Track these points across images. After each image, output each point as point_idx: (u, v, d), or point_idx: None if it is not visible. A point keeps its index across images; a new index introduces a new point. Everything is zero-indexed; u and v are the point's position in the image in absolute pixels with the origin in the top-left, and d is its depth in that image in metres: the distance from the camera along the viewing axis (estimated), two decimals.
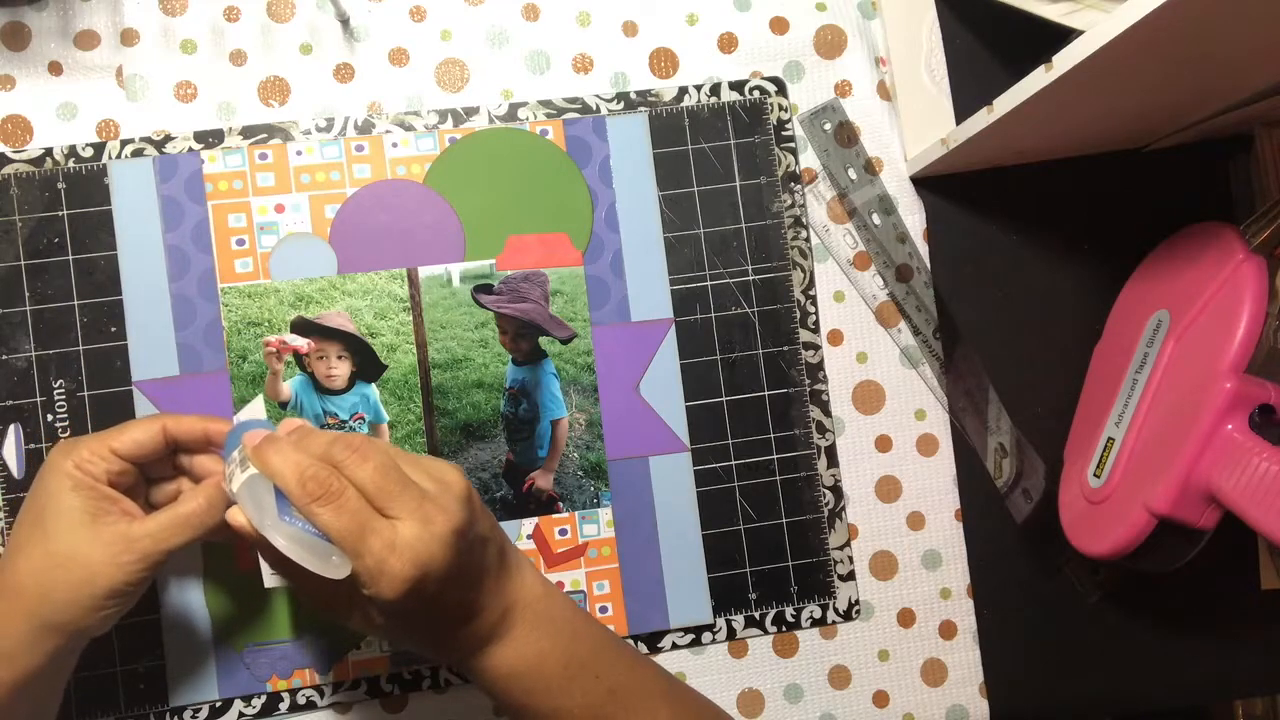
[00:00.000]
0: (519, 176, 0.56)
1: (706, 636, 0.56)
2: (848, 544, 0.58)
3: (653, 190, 0.57)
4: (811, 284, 0.58)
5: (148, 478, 0.47)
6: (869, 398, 0.58)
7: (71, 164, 0.54)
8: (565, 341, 0.56)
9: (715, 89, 0.58)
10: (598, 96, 0.57)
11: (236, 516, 0.42)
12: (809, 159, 0.59)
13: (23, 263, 0.54)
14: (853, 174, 0.59)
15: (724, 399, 0.57)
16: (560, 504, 0.56)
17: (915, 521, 0.58)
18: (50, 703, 0.46)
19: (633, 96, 0.58)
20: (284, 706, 0.54)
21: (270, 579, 0.45)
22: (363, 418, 0.55)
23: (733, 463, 0.57)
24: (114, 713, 0.53)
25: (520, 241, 0.56)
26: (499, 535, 0.45)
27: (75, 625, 0.42)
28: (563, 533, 0.56)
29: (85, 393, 0.53)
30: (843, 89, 0.59)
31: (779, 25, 0.59)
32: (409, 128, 0.56)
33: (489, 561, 0.44)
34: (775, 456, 0.57)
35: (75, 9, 0.55)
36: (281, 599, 0.54)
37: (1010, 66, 0.58)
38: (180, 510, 0.44)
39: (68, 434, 0.53)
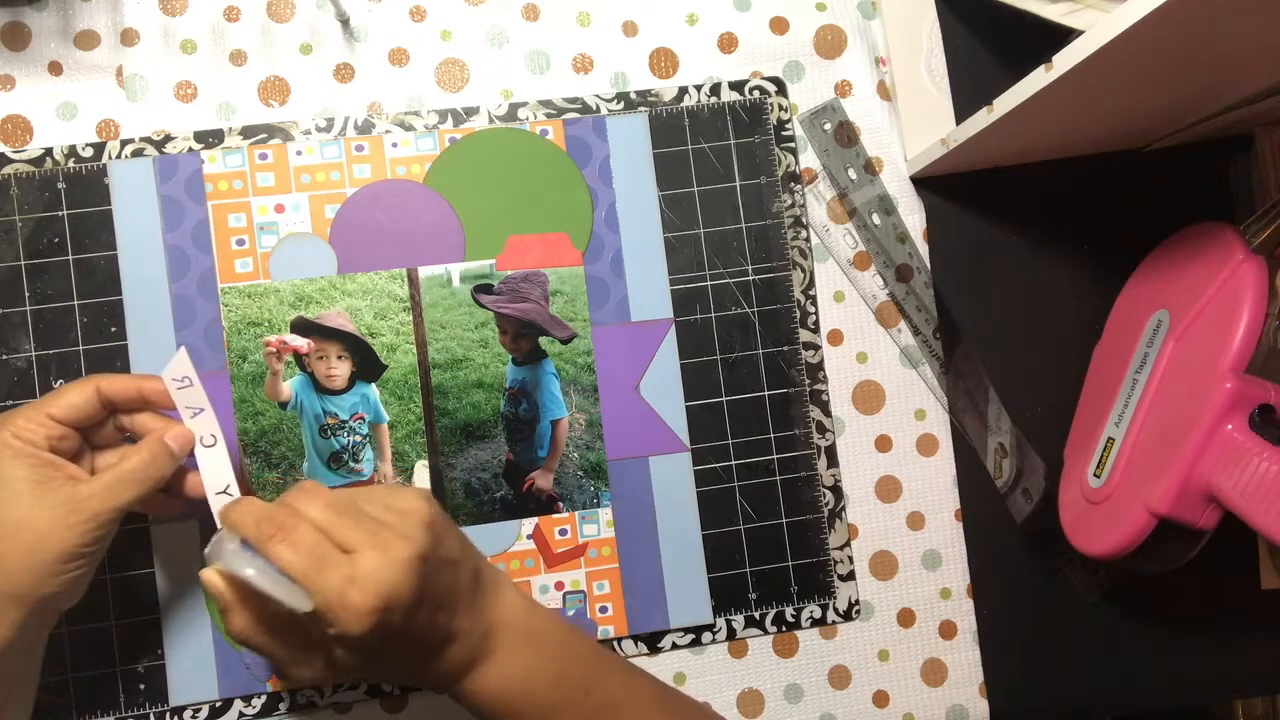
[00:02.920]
0: (519, 176, 0.56)
1: (706, 636, 0.56)
2: (848, 544, 0.58)
3: (653, 190, 0.57)
4: (811, 284, 0.58)
5: (91, 445, 0.47)
6: (869, 398, 0.58)
7: (71, 164, 0.54)
8: (565, 341, 0.56)
9: (715, 89, 0.58)
10: (598, 96, 0.57)
11: (211, 578, 0.42)
12: (809, 159, 0.59)
13: (23, 263, 0.54)
14: (853, 174, 0.59)
15: (724, 399, 0.57)
16: (560, 504, 0.56)
17: (915, 521, 0.58)
18: (24, 681, 0.45)
19: (633, 96, 0.58)
20: (284, 706, 0.54)
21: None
22: (363, 418, 0.55)
23: (733, 463, 0.57)
24: (114, 713, 0.53)
25: (520, 241, 0.56)
26: (472, 556, 0.45)
27: (34, 593, 0.42)
28: (563, 533, 0.56)
29: None
30: (843, 89, 0.59)
31: (779, 25, 0.59)
32: (409, 128, 0.56)
33: (461, 584, 0.43)
34: (775, 456, 0.57)
35: (75, 9, 0.55)
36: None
37: (1010, 66, 0.58)
38: (124, 467, 0.44)
39: None
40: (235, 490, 0.47)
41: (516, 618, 0.44)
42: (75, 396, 0.45)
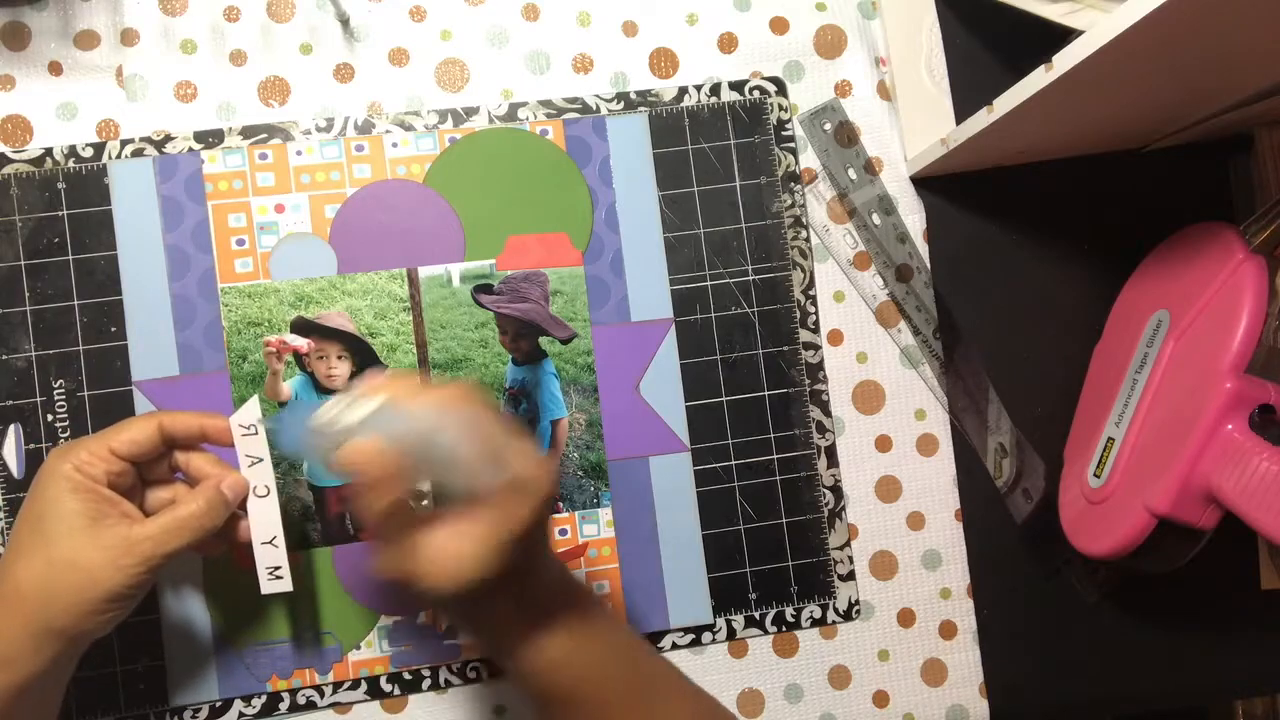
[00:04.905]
0: (519, 176, 0.56)
1: (706, 636, 0.56)
2: (848, 544, 0.58)
3: (653, 190, 0.57)
4: (811, 284, 0.58)
5: (143, 480, 0.47)
6: (869, 398, 0.58)
7: (71, 164, 0.54)
8: (565, 341, 0.56)
9: (715, 89, 0.58)
10: (598, 96, 0.57)
11: (368, 448, 0.40)
12: (809, 159, 0.59)
13: (23, 263, 0.54)
14: (853, 174, 0.59)
15: (724, 399, 0.57)
16: (560, 504, 0.56)
17: (915, 521, 0.58)
18: (51, 706, 0.45)
19: (633, 96, 0.58)
20: (284, 706, 0.54)
21: (268, 585, 0.45)
22: None
23: (733, 463, 0.57)
24: (114, 713, 0.53)
25: (520, 241, 0.56)
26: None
27: (76, 629, 0.42)
28: (563, 533, 0.56)
29: (85, 393, 0.53)
30: (843, 89, 0.59)
31: (779, 25, 0.59)
32: (409, 128, 0.56)
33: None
34: (775, 456, 0.57)
35: (75, 9, 0.55)
36: (281, 600, 0.54)
37: (1010, 66, 0.58)
38: (180, 513, 0.44)
39: (67, 434, 0.53)
40: (281, 542, 0.46)
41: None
42: (137, 432, 0.45)
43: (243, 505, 0.47)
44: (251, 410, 0.46)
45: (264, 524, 0.46)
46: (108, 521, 0.43)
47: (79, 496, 0.43)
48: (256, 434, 0.46)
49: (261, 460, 0.47)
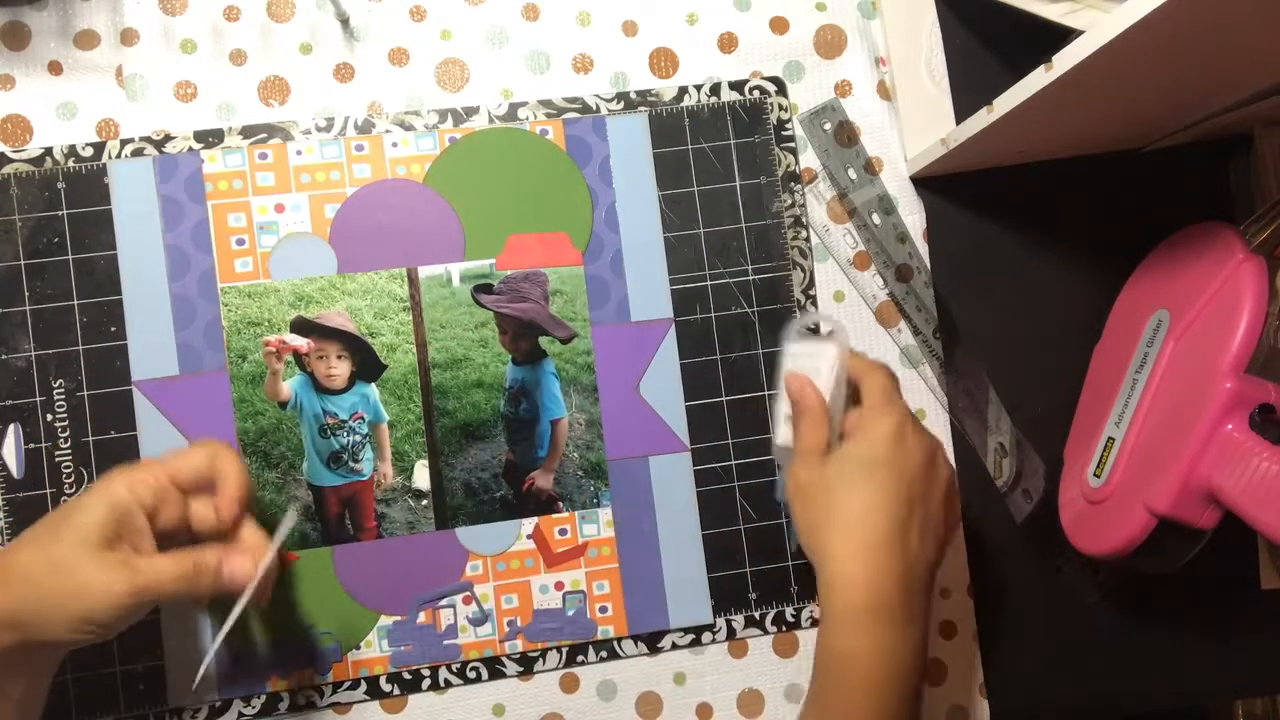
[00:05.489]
0: (519, 176, 0.56)
1: (706, 636, 0.56)
2: None
3: (653, 190, 0.57)
4: (811, 284, 0.58)
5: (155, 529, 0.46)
6: None
7: (71, 164, 0.54)
8: (565, 341, 0.56)
9: (715, 89, 0.58)
10: (598, 96, 0.57)
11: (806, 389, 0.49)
12: (809, 159, 0.59)
13: (22, 262, 0.54)
14: (853, 174, 0.59)
15: (724, 399, 0.57)
16: (560, 504, 0.56)
17: None
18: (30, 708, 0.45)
19: (633, 96, 0.58)
20: (284, 706, 0.54)
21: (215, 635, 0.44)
22: (362, 417, 0.55)
23: (733, 463, 0.57)
24: (114, 713, 0.53)
25: (520, 241, 0.56)
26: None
27: (41, 633, 0.41)
28: (563, 533, 0.56)
29: (85, 392, 0.53)
30: (843, 89, 0.59)
31: (779, 25, 0.59)
32: (409, 127, 0.56)
33: None
34: (775, 457, 0.57)
35: (75, 9, 0.55)
36: (280, 600, 0.54)
37: (1010, 66, 0.58)
38: (184, 566, 0.43)
39: (67, 434, 0.53)
40: (227, 626, 0.46)
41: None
42: (200, 459, 0.45)
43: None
44: (288, 522, 0.47)
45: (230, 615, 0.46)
46: (121, 545, 0.43)
47: (110, 513, 0.42)
48: (282, 545, 0.47)
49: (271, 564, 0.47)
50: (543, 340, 0.56)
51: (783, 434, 0.51)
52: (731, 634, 0.57)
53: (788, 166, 0.58)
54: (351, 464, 0.55)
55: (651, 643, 0.56)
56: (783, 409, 0.51)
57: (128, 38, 0.55)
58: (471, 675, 0.55)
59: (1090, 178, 0.60)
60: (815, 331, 0.55)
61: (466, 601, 0.55)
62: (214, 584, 0.44)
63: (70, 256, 0.54)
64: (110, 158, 0.54)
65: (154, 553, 0.44)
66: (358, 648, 0.54)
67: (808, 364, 0.51)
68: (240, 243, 0.55)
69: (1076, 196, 0.60)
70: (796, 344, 0.53)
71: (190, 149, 0.55)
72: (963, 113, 0.58)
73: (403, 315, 0.55)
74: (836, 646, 0.44)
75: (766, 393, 0.57)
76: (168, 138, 0.55)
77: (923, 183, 0.59)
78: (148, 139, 0.55)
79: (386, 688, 0.54)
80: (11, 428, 0.53)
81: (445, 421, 0.55)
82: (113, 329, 0.54)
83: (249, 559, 0.45)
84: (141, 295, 0.54)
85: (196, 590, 0.44)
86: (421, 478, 0.55)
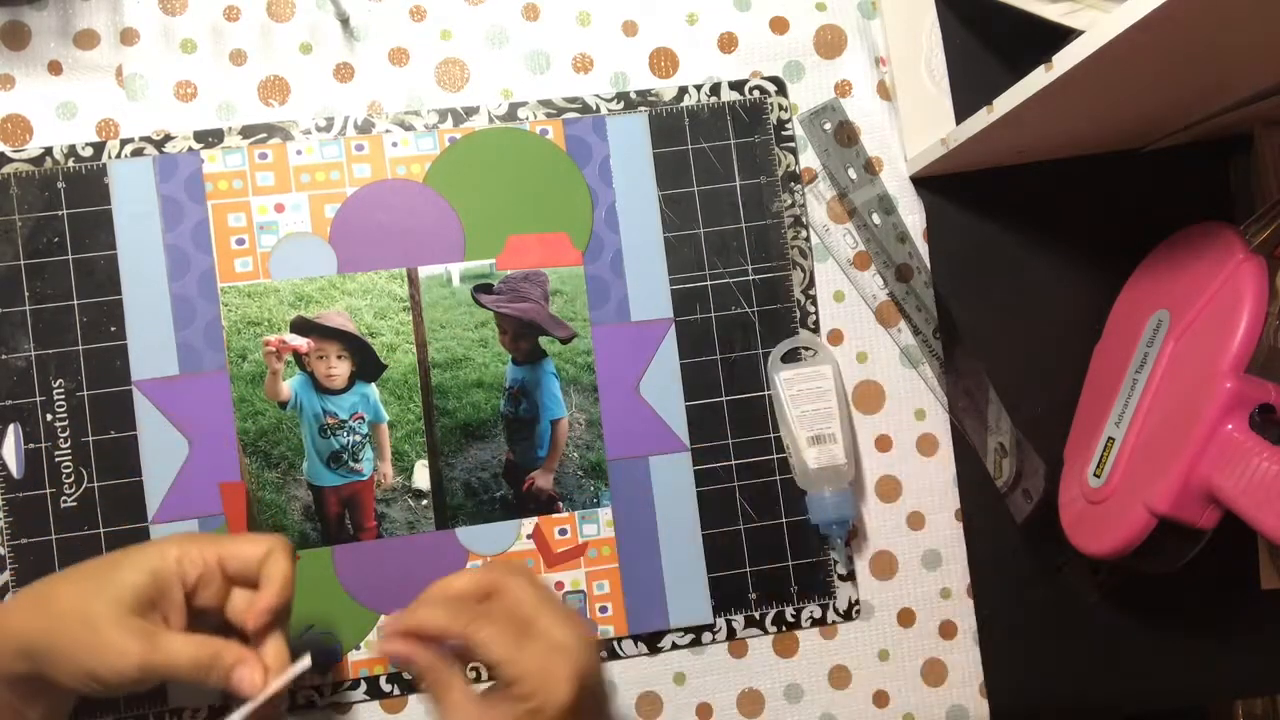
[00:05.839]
0: (519, 176, 0.56)
1: (706, 636, 0.56)
2: (848, 543, 0.58)
3: (653, 190, 0.57)
4: (811, 284, 0.58)
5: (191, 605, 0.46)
6: (869, 397, 0.58)
7: (71, 163, 0.54)
8: (565, 341, 0.56)
9: (715, 89, 0.58)
10: (598, 96, 0.57)
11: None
12: (809, 159, 0.59)
13: (22, 262, 0.54)
14: (853, 174, 0.59)
15: (724, 399, 0.57)
16: (560, 504, 0.56)
17: (915, 521, 0.58)
18: None
19: (633, 96, 0.58)
20: (284, 706, 0.54)
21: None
22: (362, 417, 0.55)
23: (733, 463, 0.57)
24: (114, 713, 0.53)
25: (520, 241, 0.56)
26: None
27: (49, 671, 0.41)
28: (563, 533, 0.56)
29: (85, 392, 0.53)
30: (843, 89, 0.59)
31: (779, 25, 0.59)
32: (409, 127, 0.56)
33: (609, 700, 0.46)
34: (775, 456, 0.57)
35: (75, 9, 0.55)
36: None
37: (1010, 66, 0.58)
38: (202, 654, 0.42)
39: (67, 433, 0.53)
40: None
41: None
42: (252, 552, 0.45)
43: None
44: (303, 663, 0.46)
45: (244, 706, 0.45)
46: (153, 614, 0.43)
47: (152, 581, 0.42)
48: (297, 675, 0.46)
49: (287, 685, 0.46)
50: (543, 340, 0.56)
51: (811, 456, 0.55)
52: (731, 634, 0.57)
53: (788, 166, 0.58)
54: (351, 464, 0.55)
55: (651, 643, 0.56)
56: (802, 434, 0.55)
57: (128, 37, 0.55)
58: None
59: (1090, 178, 0.60)
60: (798, 355, 0.57)
61: None
62: (222, 682, 0.43)
63: (70, 256, 0.54)
64: (110, 158, 0.54)
65: (182, 627, 0.44)
66: (358, 648, 0.54)
67: (807, 387, 0.54)
68: (240, 242, 0.55)
69: (1076, 196, 0.60)
70: (788, 371, 0.56)
71: (190, 149, 0.55)
72: (963, 113, 0.58)
73: (403, 315, 0.55)
74: None
75: (766, 393, 0.57)
76: (168, 138, 0.55)
77: (923, 183, 0.59)
78: (148, 139, 0.55)
79: (386, 688, 0.54)
80: (11, 428, 0.53)
81: (445, 421, 0.55)
82: (113, 329, 0.54)
83: (261, 675, 0.44)
84: (141, 295, 0.54)
85: (205, 681, 0.43)
86: (421, 478, 0.55)
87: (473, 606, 0.44)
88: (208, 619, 0.45)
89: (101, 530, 0.53)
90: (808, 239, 0.58)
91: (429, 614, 0.44)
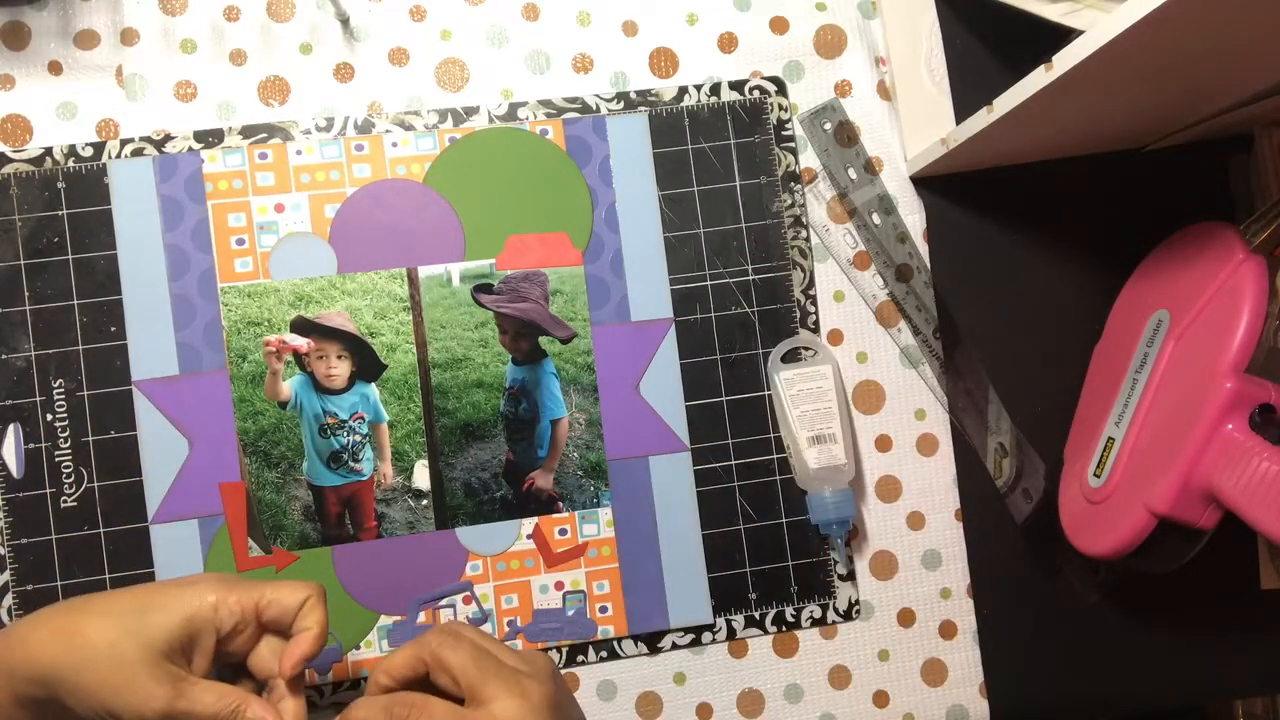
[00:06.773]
0: (519, 176, 0.56)
1: (706, 636, 0.56)
2: (848, 544, 0.58)
3: (653, 190, 0.57)
4: (811, 284, 0.58)
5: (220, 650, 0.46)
6: (869, 397, 0.58)
7: (71, 163, 0.54)
8: (565, 341, 0.56)
9: (715, 89, 0.58)
10: (598, 96, 0.57)
11: None
12: (809, 159, 0.59)
13: (22, 262, 0.54)
14: (853, 174, 0.59)
15: (724, 399, 0.57)
16: (560, 504, 0.56)
17: (915, 521, 0.58)
18: None
19: (633, 96, 0.58)
20: None
21: None
22: (362, 417, 0.55)
23: (733, 463, 0.57)
24: None
25: (520, 241, 0.56)
26: (580, 713, 0.46)
27: (67, 698, 0.41)
28: (563, 532, 0.56)
29: (85, 392, 0.53)
30: (843, 89, 0.59)
31: (779, 25, 0.59)
32: (409, 127, 0.56)
33: None
34: (775, 456, 0.57)
35: (75, 9, 0.55)
36: None
37: (1010, 66, 0.58)
38: (223, 703, 0.42)
39: (67, 433, 0.53)
40: None
41: None
42: (291, 600, 0.44)
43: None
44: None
45: None
46: (179, 659, 0.42)
47: (187, 627, 0.42)
48: None
49: None
50: (543, 340, 0.56)
51: (811, 456, 0.55)
52: (731, 634, 0.57)
53: (788, 166, 0.58)
54: (351, 464, 0.55)
55: (651, 643, 0.56)
56: (802, 434, 0.55)
57: (128, 38, 0.55)
58: None
59: (1090, 178, 0.60)
60: (798, 355, 0.57)
61: (466, 601, 0.55)
62: None
63: (70, 256, 0.54)
64: (110, 158, 0.54)
65: (206, 671, 0.44)
66: (358, 648, 0.54)
67: (807, 387, 0.55)
68: (240, 242, 0.55)
69: (1076, 196, 0.60)
70: (788, 371, 0.56)
71: (190, 149, 0.55)
72: (963, 113, 0.58)
73: (403, 315, 0.55)
74: None
75: (766, 393, 0.57)
76: (168, 138, 0.55)
77: (923, 183, 0.59)
78: (148, 139, 0.55)
79: None
80: (11, 428, 0.53)
81: (445, 421, 0.55)
82: (113, 329, 0.54)
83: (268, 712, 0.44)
84: (141, 295, 0.54)
85: None
86: (421, 478, 0.55)
87: (410, 696, 0.43)
88: (228, 658, 0.45)
89: (101, 530, 0.53)
90: (808, 239, 0.58)
91: (366, 714, 0.42)
